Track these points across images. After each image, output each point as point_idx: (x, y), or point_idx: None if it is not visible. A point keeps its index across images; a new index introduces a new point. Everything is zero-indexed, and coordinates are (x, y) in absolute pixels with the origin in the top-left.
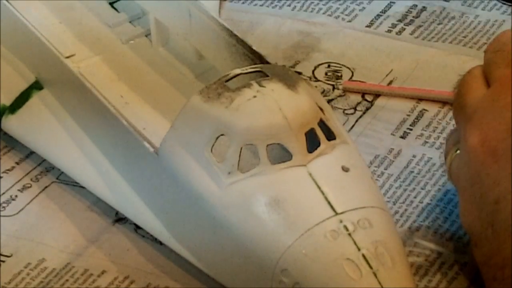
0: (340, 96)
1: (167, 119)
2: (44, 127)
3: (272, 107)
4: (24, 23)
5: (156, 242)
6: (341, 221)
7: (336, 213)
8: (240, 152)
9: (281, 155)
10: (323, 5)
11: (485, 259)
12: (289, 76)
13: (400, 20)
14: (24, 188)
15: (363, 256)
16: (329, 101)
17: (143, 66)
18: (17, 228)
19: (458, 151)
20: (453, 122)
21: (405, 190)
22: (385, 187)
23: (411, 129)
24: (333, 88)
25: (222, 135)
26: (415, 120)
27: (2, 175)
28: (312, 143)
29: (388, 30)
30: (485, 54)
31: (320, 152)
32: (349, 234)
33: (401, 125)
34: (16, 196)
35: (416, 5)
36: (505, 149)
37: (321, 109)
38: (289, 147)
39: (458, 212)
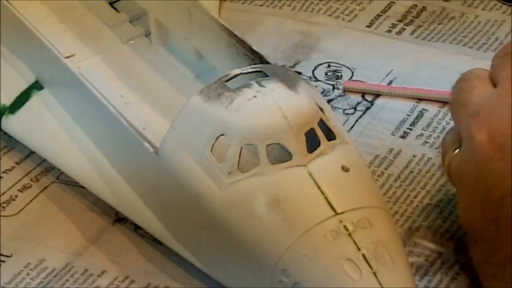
0: (340, 96)
1: (167, 119)
2: (44, 127)
3: (272, 107)
4: (24, 23)
5: (156, 242)
6: (341, 221)
7: (336, 213)
8: (240, 152)
9: (281, 155)
10: (323, 5)
11: (485, 257)
12: (289, 76)
13: (400, 20)
14: (24, 188)
15: (363, 256)
16: (329, 101)
17: (143, 66)
18: (17, 228)
19: (457, 150)
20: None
21: (405, 190)
22: (385, 187)
23: (411, 129)
24: (333, 88)
25: (222, 135)
26: (415, 120)
27: (2, 175)
28: (312, 143)
29: (388, 30)
30: (493, 60)
31: (320, 152)
32: (349, 234)
33: (401, 125)
34: (16, 196)
35: (416, 5)
36: None
37: (321, 109)
38: (289, 147)
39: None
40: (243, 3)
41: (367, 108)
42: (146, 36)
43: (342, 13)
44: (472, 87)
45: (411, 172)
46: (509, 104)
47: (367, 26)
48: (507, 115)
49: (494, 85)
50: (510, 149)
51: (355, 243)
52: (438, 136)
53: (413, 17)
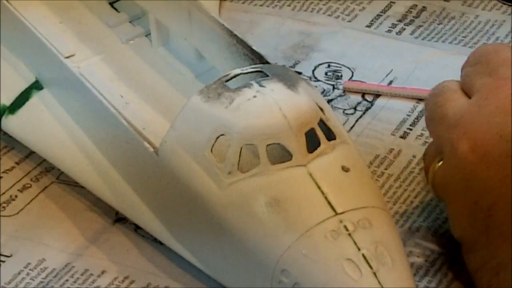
0: (340, 96)
1: (167, 119)
2: (44, 127)
3: (272, 107)
4: (24, 23)
5: (156, 242)
6: (341, 221)
7: (336, 213)
8: (240, 152)
9: (281, 155)
10: (323, 5)
11: (479, 265)
12: (289, 76)
13: (400, 20)
14: (24, 188)
15: (363, 256)
16: (329, 101)
17: (143, 66)
18: (17, 228)
19: (441, 162)
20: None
21: (405, 190)
22: (385, 187)
23: (411, 129)
24: (333, 88)
25: (222, 135)
26: (415, 120)
27: (2, 175)
28: (312, 143)
29: (388, 30)
30: (463, 69)
31: (320, 152)
32: (349, 234)
33: (401, 125)
34: (16, 196)
35: (416, 5)
36: (497, 155)
37: (321, 109)
38: (289, 147)
39: None
40: (243, 3)
41: (367, 108)
42: (146, 36)
43: (342, 13)
44: (447, 99)
45: (411, 172)
46: (489, 113)
47: (367, 26)
48: (487, 124)
49: (467, 95)
50: (494, 159)
51: (355, 243)
52: None
53: (413, 17)
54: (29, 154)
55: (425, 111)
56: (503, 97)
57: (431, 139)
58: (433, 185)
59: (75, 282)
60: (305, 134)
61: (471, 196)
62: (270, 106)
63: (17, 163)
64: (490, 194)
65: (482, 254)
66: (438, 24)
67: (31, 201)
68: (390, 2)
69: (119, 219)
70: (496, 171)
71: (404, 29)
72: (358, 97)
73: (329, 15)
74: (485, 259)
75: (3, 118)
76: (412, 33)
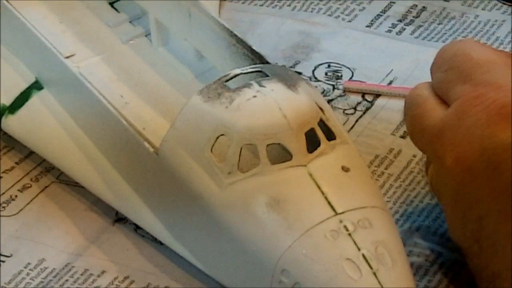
0: (340, 96)
1: (167, 119)
2: (44, 127)
3: (272, 107)
4: (24, 23)
5: (156, 242)
6: (341, 221)
7: (336, 213)
8: (240, 152)
9: (281, 155)
10: (323, 5)
11: (476, 271)
12: (289, 76)
13: (400, 20)
14: (24, 188)
15: (363, 256)
16: (329, 101)
17: (143, 66)
18: (17, 228)
19: None
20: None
21: (405, 190)
22: (385, 187)
23: None
24: (333, 88)
25: (222, 135)
26: None
27: (2, 175)
28: (312, 143)
29: (388, 30)
30: (433, 73)
31: (320, 152)
32: (349, 234)
33: (401, 125)
34: (16, 196)
35: (416, 5)
36: (482, 168)
37: (321, 109)
38: (289, 147)
39: None
40: (243, 3)
41: (367, 108)
42: (146, 36)
43: (342, 13)
44: (425, 111)
45: (411, 172)
46: (470, 125)
47: (367, 26)
48: (469, 137)
49: (443, 100)
50: (479, 172)
51: (355, 243)
52: None
53: (413, 17)
54: (29, 154)
55: (405, 123)
56: (483, 108)
57: None
58: (431, 184)
59: (75, 282)
60: (305, 134)
61: (461, 207)
62: (270, 106)
63: (17, 163)
64: (479, 206)
65: (477, 262)
66: (438, 24)
67: (31, 201)
68: (390, 2)
69: (119, 219)
70: (484, 184)
71: (404, 29)
72: (358, 97)
73: (329, 15)
74: (480, 267)
75: (3, 118)
76: (412, 33)
